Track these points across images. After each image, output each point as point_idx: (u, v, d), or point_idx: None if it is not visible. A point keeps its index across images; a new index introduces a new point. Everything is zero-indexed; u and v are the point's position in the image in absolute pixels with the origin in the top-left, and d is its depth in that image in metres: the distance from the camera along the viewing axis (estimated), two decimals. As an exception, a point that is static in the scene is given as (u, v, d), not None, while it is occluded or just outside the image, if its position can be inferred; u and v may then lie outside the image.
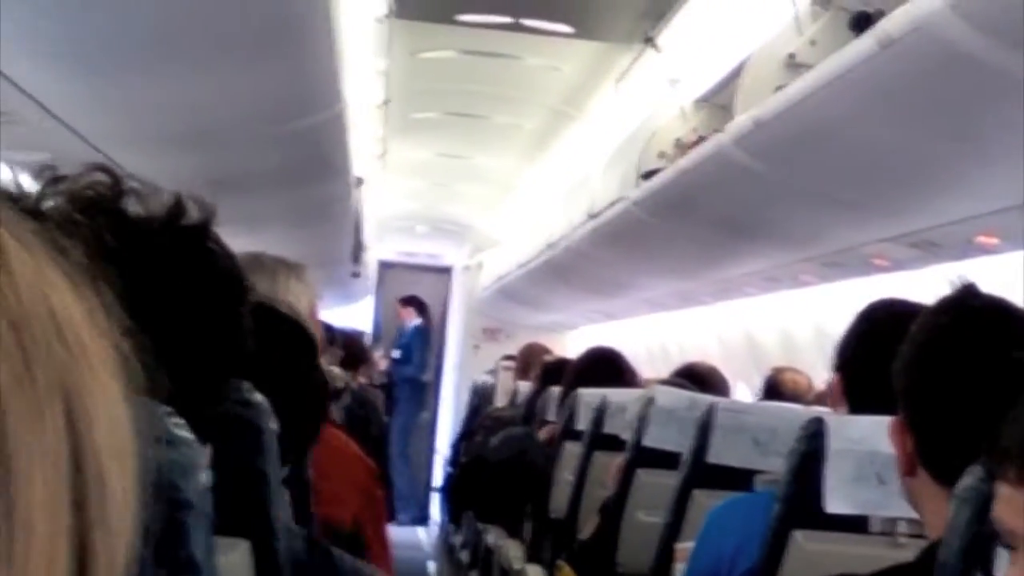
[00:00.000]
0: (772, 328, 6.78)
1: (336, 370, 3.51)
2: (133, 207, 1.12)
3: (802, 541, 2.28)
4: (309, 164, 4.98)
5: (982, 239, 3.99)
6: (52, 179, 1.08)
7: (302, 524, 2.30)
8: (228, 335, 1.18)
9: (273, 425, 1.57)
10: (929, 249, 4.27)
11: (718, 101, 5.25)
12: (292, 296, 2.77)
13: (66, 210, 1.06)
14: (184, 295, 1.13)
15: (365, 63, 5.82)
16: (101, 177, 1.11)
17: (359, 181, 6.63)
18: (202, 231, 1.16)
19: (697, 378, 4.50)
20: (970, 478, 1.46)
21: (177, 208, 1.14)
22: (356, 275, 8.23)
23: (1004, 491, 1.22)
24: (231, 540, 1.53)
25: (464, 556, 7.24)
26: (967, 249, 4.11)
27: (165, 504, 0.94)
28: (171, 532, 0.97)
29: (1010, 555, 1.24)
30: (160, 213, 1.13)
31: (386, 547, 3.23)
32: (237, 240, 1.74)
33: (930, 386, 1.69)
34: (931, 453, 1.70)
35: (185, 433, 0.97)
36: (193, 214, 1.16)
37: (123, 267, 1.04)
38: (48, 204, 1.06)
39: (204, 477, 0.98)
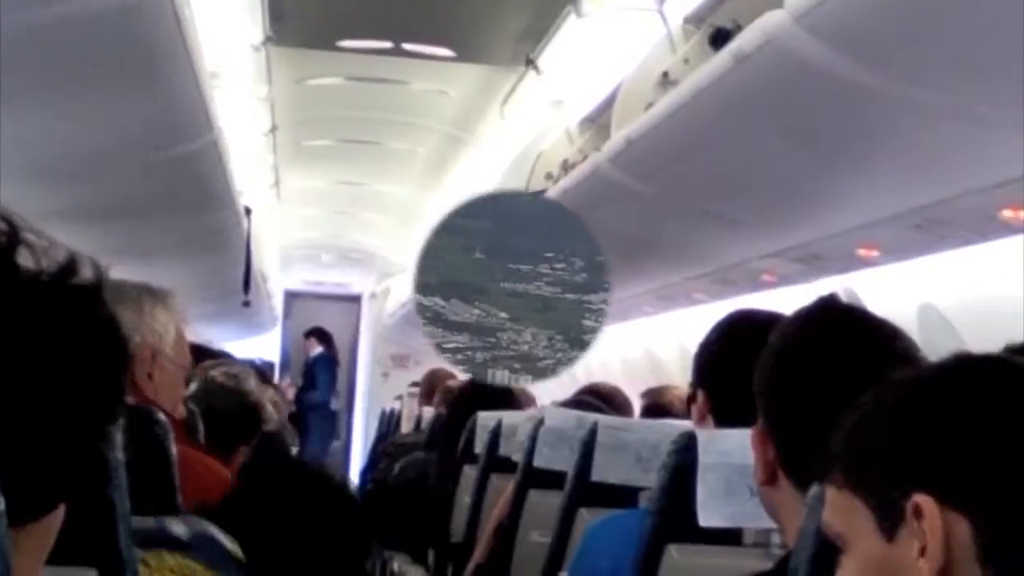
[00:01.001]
0: (672, 345, 6.81)
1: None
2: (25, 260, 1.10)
3: (676, 556, 2.27)
4: (190, 193, 4.92)
5: (863, 252, 4.02)
6: None
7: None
8: (106, 397, 1.15)
9: (120, 455, 1.55)
10: (812, 263, 4.29)
11: (602, 122, 5.26)
12: (158, 324, 2.74)
13: None
14: (66, 355, 1.10)
15: (245, 90, 5.77)
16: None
17: (247, 210, 6.57)
18: (93, 293, 1.13)
19: (601, 398, 4.49)
20: (819, 486, 1.46)
21: (69, 267, 1.12)
22: (247, 304, 8.17)
23: (830, 494, 1.23)
24: (78, 570, 1.52)
25: (372, 584, 7.18)
26: (851, 262, 4.14)
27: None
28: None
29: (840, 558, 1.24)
30: (51, 270, 1.11)
31: None
32: (123, 270, 1.71)
33: (791, 392, 1.68)
34: (793, 460, 1.70)
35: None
36: (86, 275, 1.13)
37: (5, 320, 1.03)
38: None
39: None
